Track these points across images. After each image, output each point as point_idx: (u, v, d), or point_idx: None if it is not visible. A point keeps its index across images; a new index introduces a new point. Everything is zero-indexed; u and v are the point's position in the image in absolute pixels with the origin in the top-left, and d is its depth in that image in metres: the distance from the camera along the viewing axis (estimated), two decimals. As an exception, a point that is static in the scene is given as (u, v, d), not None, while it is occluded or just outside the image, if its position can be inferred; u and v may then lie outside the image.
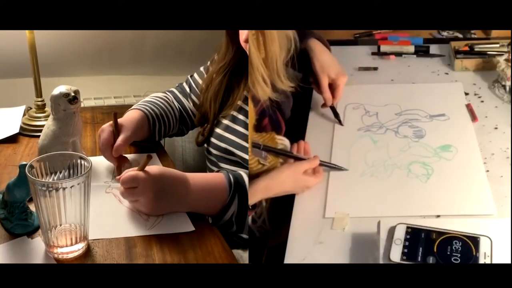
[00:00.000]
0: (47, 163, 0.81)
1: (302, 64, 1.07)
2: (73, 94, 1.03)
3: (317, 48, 1.09)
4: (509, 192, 0.88)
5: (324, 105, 1.11)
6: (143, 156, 0.91)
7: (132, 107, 1.23)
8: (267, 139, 0.98)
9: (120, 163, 1.08)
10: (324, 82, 1.08)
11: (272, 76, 0.90)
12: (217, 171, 1.02)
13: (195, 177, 0.94)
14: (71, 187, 0.75)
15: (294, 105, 1.08)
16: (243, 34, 1.01)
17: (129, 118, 1.15)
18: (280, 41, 0.90)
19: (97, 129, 1.24)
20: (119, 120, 1.12)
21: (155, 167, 0.92)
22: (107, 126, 1.10)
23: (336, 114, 1.10)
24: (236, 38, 1.08)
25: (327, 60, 1.09)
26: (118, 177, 0.93)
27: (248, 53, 0.85)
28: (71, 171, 0.82)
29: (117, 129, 1.09)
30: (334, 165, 0.97)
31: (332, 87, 1.09)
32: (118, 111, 1.15)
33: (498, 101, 1.13)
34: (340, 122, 1.10)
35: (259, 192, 0.90)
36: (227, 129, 1.12)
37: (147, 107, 1.21)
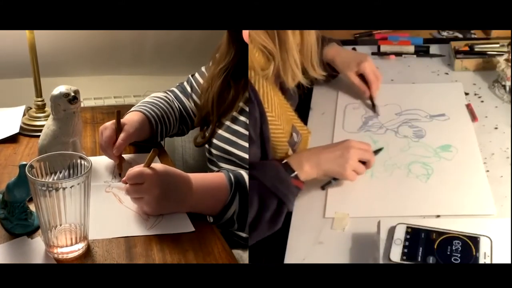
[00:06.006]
0: (47, 163, 0.81)
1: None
2: (73, 94, 1.03)
3: (332, 52, 1.13)
4: (509, 192, 0.88)
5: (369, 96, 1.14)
6: (143, 156, 0.90)
7: (132, 109, 1.23)
8: (304, 133, 0.99)
9: (121, 161, 1.08)
10: (354, 78, 1.13)
11: (306, 63, 0.90)
12: (218, 171, 1.02)
13: (197, 178, 0.94)
14: (71, 187, 0.75)
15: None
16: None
17: (129, 119, 1.15)
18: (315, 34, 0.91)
19: (97, 129, 1.24)
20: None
21: (159, 165, 0.92)
22: (110, 124, 1.10)
23: (373, 105, 1.13)
24: (237, 38, 1.07)
25: (344, 57, 1.13)
26: (123, 179, 0.92)
27: (283, 37, 0.84)
28: (71, 171, 0.82)
29: (119, 127, 1.09)
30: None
31: (363, 76, 1.12)
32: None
33: (498, 101, 1.13)
34: (374, 112, 1.12)
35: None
36: (228, 129, 1.12)
37: (147, 108, 1.21)
